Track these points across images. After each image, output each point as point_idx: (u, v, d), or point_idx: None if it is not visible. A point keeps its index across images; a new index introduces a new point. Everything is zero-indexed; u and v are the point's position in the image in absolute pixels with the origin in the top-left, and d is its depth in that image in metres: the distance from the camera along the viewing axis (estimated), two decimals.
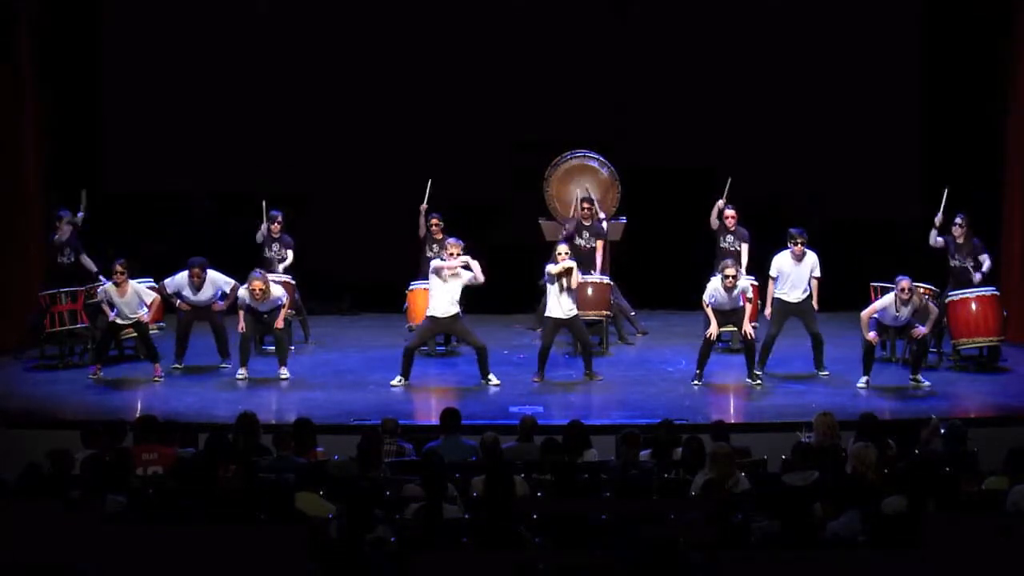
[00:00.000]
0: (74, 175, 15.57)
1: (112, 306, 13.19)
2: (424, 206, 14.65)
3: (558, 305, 13.01)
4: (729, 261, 13.21)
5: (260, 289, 13.08)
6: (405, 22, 16.35)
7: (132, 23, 16.17)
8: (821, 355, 13.36)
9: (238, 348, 13.33)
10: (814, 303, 13.32)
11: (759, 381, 12.98)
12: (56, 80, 15.58)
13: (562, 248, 13.19)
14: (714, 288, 12.94)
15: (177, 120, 16.24)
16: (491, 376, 13.04)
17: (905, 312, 12.77)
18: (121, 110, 16.33)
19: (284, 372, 13.28)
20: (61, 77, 15.65)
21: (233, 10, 16.30)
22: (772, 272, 13.37)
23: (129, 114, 16.29)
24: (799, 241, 13.27)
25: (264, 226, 14.52)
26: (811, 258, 13.34)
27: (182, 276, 13.56)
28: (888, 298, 12.80)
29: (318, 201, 16.22)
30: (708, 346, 12.99)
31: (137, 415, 10.99)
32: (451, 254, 12.96)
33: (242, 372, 13.23)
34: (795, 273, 13.28)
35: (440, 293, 12.92)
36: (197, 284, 13.52)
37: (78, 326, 13.86)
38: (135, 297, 13.23)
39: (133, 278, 13.49)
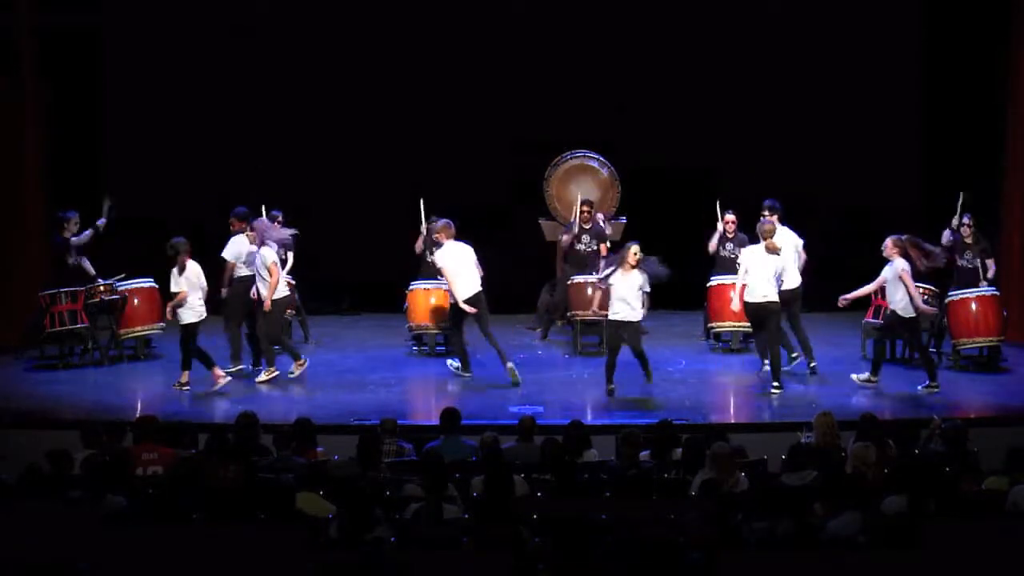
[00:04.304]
0: (74, 176, 15.59)
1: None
2: (424, 227, 14.37)
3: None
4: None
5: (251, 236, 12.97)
6: (405, 23, 16.36)
7: (133, 27, 16.19)
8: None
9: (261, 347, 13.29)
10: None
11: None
12: (56, 82, 15.56)
13: (634, 247, 12.60)
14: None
15: (177, 123, 16.25)
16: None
17: None
18: (122, 111, 16.34)
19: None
20: (61, 78, 15.64)
21: (232, 17, 16.30)
22: (788, 247, 13.10)
23: (130, 115, 16.31)
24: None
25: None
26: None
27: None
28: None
29: (318, 201, 16.18)
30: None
31: (137, 415, 10.99)
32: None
33: (268, 370, 13.09)
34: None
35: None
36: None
37: (78, 326, 13.85)
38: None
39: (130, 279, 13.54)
